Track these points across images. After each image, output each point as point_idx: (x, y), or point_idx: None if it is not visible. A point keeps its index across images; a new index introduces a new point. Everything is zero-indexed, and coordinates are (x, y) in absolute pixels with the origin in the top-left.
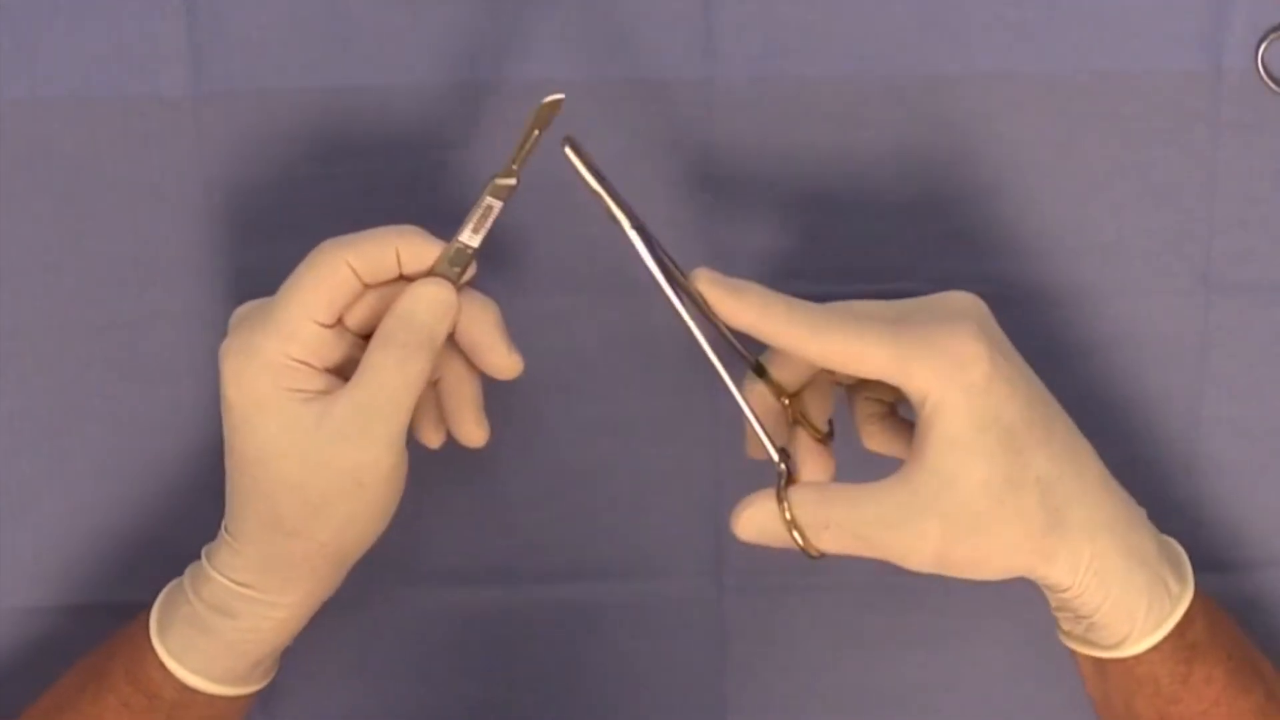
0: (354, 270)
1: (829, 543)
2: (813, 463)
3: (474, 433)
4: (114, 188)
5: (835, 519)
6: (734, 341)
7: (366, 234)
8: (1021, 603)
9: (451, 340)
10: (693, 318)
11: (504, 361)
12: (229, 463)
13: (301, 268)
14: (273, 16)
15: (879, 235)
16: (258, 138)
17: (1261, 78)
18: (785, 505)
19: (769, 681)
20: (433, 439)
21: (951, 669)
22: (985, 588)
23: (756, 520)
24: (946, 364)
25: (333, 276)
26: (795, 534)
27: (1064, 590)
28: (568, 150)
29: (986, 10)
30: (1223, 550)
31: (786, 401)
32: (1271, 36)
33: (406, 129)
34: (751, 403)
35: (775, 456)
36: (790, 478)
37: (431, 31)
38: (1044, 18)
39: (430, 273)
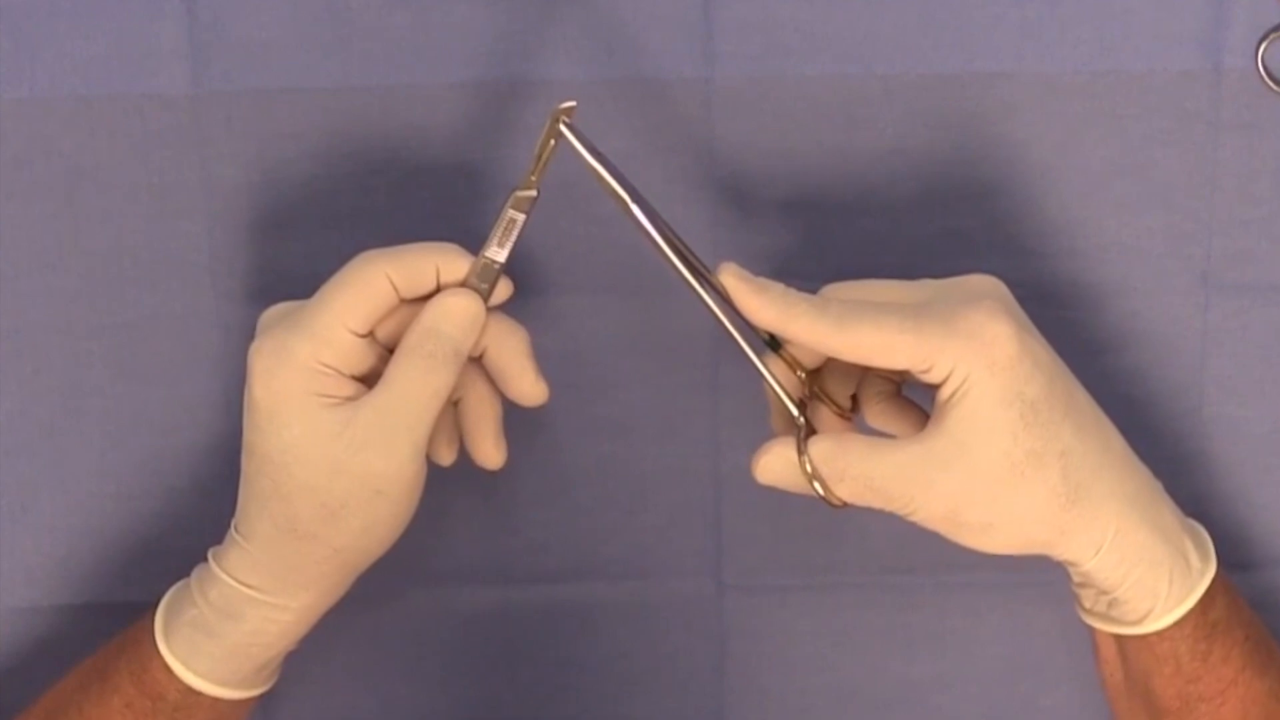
0: (393, 284)
1: (846, 492)
2: None
3: (492, 454)
4: (114, 188)
5: (852, 470)
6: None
7: (408, 249)
8: (1021, 603)
9: (477, 362)
10: (703, 289)
11: (531, 389)
12: (247, 464)
13: (341, 276)
14: (273, 16)
15: (879, 235)
16: (258, 138)
17: (1261, 78)
18: (805, 457)
19: (768, 681)
20: (446, 456)
21: (951, 669)
22: (984, 587)
23: (774, 467)
24: (972, 344)
25: (372, 288)
26: (816, 484)
27: (1084, 566)
28: (563, 128)
29: (986, 10)
30: (1223, 550)
31: (802, 375)
32: (1271, 36)
33: (407, 129)
34: (768, 368)
35: (795, 411)
36: (810, 429)
37: (431, 32)
38: (1044, 17)
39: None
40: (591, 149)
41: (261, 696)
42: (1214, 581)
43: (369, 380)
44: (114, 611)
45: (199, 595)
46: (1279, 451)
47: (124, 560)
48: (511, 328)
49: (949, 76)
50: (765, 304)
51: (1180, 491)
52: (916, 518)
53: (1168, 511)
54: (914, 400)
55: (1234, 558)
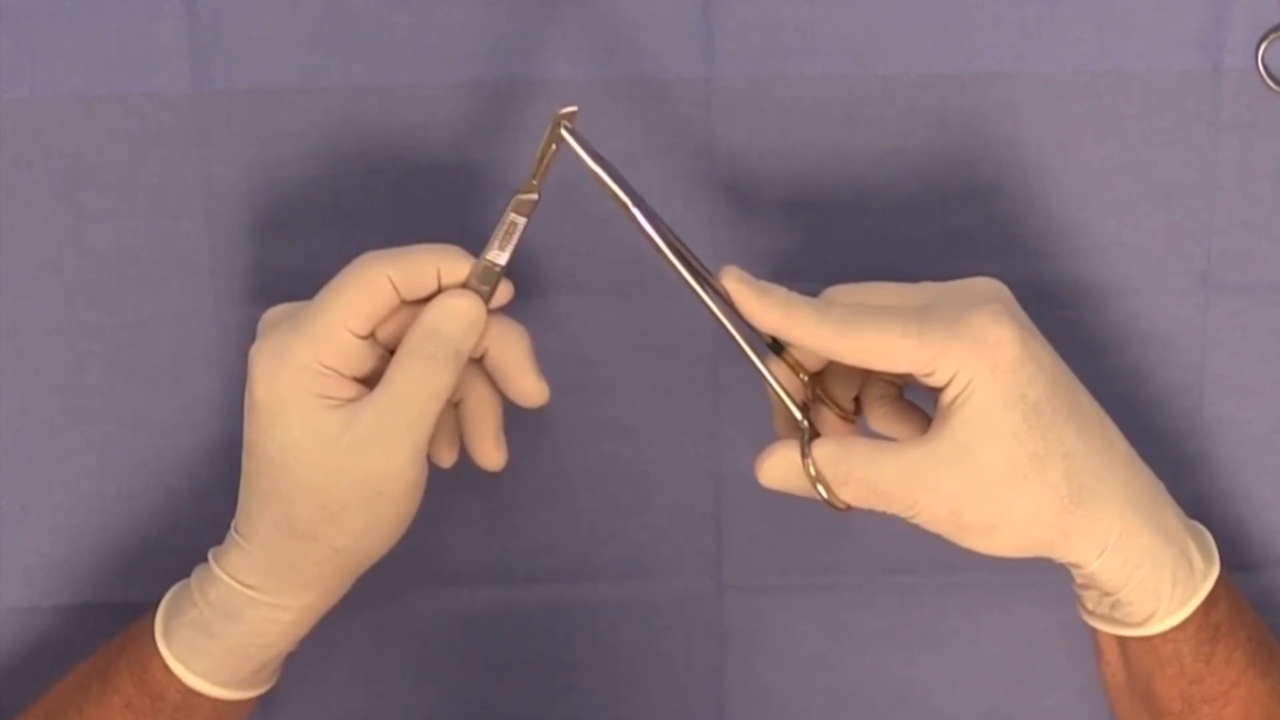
0: (394, 285)
1: (850, 495)
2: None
3: (492, 455)
4: (114, 188)
5: (856, 472)
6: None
7: (409, 250)
8: (1021, 604)
9: (478, 363)
10: (705, 293)
11: (532, 389)
12: (248, 464)
13: (342, 277)
14: (273, 16)
15: (879, 235)
16: (258, 138)
17: (1261, 78)
18: (809, 460)
19: (768, 681)
20: (446, 458)
21: (951, 669)
22: (985, 587)
23: (778, 470)
24: (975, 347)
25: (373, 289)
26: (820, 487)
27: (1088, 568)
28: (564, 132)
29: (986, 10)
30: (1223, 550)
31: (805, 378)
32: (1271, 36)
33: (407, 129)
34: (771, 371)
35: (798, 414)
36: (814, 432)
37: (432, 32)
38: (1044, 18)
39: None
40: (593, 153)
41: (261, 697)
42: (1217, 583)
43: (370, 382)
44: (114, 611)
45: (199, 595)
46: (1278, 452)
47: (124, 560)
48: (512, 329)
49: (949, 76)
50: (767, 308)
51: (1181, 492)
52: (920, 520)
53: (1171, 513)
54: (916, 403)
55: (1234, 558)
